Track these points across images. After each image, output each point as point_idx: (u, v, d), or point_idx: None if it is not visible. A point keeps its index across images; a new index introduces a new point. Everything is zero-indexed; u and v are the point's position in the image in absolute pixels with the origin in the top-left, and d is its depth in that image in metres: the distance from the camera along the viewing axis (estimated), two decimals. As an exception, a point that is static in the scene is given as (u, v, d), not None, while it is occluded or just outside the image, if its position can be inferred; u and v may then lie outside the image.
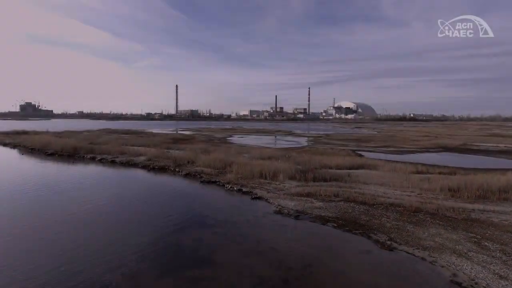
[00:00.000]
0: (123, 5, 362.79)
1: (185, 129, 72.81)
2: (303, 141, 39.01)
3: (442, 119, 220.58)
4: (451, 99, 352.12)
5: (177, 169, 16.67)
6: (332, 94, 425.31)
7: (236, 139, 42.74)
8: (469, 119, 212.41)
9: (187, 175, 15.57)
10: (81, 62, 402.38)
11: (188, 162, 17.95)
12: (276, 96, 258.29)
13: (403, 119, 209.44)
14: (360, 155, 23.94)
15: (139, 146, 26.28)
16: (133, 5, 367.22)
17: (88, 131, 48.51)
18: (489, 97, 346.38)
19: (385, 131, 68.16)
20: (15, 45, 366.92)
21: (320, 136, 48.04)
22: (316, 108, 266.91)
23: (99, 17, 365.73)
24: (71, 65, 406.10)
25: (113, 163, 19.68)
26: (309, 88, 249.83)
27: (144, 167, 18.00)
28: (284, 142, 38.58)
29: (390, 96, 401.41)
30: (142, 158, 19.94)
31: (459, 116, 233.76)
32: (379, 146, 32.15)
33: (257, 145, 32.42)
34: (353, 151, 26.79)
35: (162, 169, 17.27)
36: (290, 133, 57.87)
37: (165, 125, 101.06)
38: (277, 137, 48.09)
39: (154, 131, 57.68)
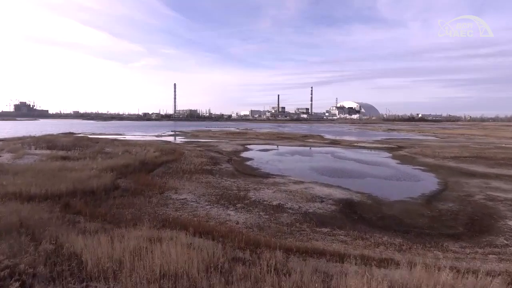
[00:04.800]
0: (121, 5, 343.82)
1: (178, 133, 57.12)
2: (389, 159, 22.58)
3: (452, 120, 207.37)
4: (451, 99, 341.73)
5: None
6: (330, 95, 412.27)
7: (258, 155, 26.34)
8: (483, 120, 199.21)
9: None
10: (79, 62, 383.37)
11: None
12: (278, 96, 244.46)
13: (411, 119, 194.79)
14: None
15: None
16: (131, 5, 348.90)
17: (23, 138, 30.67)
18: (490, 97, 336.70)
19: (444, 133, 51.39)
20: (13, 45, 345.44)
21: (397, 148, 31.04)
22: (316, 108, 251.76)
23: (96, 17, 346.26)
24: (69, 65, 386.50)
25: None
26: (311, 87, 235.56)
27: None
28: (368, 168, 21.61)
29: (389, 96, 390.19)
30: None
31: (470, 117, 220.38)
32: None
33: (348, 188, 15.88)
34: None
35: None
36: (324, 140, 40.85)
37: (158, 127, 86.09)
38: (323, 149, 30.44)
39: (129, 137, 41.67)
